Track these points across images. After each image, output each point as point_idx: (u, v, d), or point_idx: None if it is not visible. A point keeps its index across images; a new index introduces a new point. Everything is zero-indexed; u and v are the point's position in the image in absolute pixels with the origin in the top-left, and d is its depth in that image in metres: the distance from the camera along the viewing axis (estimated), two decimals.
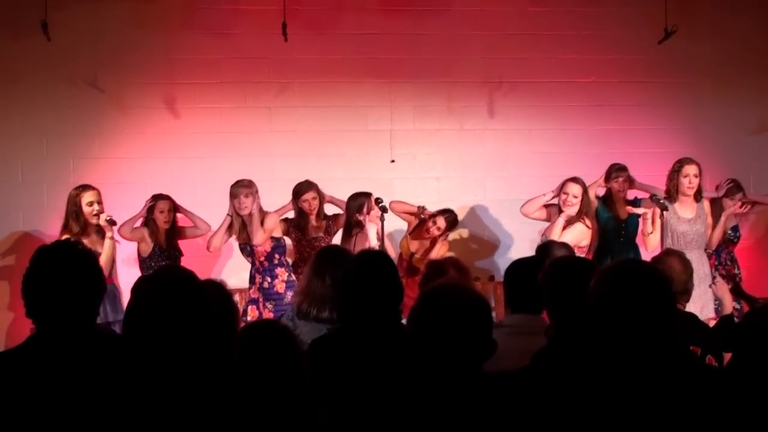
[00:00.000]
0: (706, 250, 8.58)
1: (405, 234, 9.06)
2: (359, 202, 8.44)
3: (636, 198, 8.90)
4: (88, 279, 3.38)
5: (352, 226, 8.43)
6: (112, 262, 8.20)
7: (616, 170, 8.85)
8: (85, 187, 8.18)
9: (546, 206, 8.64)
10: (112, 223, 8.13)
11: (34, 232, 9.24)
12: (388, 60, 9.96)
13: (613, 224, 8.74)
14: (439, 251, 8.71)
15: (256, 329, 3.54)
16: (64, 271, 3.33)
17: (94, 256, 3.49)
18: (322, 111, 9.91)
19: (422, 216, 8.90)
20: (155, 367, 3.31)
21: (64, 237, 7.87)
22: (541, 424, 3.10)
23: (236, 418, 3.26)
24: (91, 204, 8.07)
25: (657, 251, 8.01)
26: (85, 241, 7.86)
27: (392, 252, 8.64)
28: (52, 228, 8.97)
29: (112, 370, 3.27)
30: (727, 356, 7.31)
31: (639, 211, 8.59)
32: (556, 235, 8.25)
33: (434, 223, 8.83)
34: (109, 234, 8.08)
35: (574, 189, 8.38)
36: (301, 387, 3.36)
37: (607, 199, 8.87)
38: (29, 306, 3.35)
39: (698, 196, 8.51)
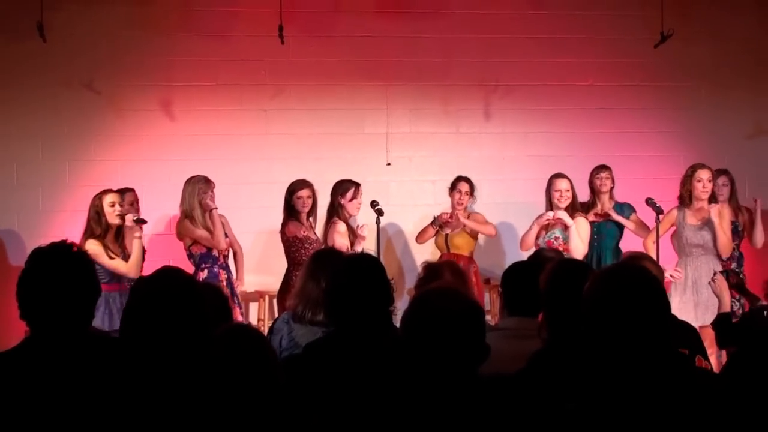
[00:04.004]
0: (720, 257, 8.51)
1: (432, 234, 9.20)
2: (344, 187, 8.49)
3: (616, 203, 8.97)
4: (82, 281, 3.37)
5: (335, 209, 8.45)
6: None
7: (598, 168, 8.99)
8: (107, 191, 8.00)
9: (540, 228, 8.65)
10: (140, 221, 8.08)
11: (30, 234, 9.19)
12: (385, 63, 9.97)
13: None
14: (471, 219, 9.05)
15: (231, 335, 3.51)
16: (58, 273, 3.32)
17: (89, 259, 3.48)
18: (318, 114, 9.91)
19: (441, 218, 8.98)
20: (152, 369, 3.30)
21: (90, 242, 7.71)
22: (538, 427, 3.10)
23: (219, 422, 3.25)
24: (113, 205, 7.88)
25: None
26: (109, 243, 7.79)
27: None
28: (47, 230, 8.96)
29: (106, 372, 3.26)
30: (713, 357, 7.37)
31: (619, 217, 8.74)
32: (531, 240, 8.37)
33: (459, 191, 9.01)
34: (137, 234, 7.95)
35: (564, 184, 8.54)
36: (274, 394, 3.34)
37: (585, 204, 8.94)
38: (23, 308, 3.34)
39: (712, 200, 8.47)
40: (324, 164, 9.61)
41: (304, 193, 8.48)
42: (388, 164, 9.99)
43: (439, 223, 9.03)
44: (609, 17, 10.22)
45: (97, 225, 7.82)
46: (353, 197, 8.47)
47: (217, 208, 8.20)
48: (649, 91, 10.30)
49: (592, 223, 8.76)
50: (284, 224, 8.46)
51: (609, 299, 3.15)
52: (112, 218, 7.87)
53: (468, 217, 9.01)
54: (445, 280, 4.98)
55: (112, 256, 7.72)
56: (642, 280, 3.22)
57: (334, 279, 4.19)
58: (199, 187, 8.22)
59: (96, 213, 7.84)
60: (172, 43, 9.66)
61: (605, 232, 8.88)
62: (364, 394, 3.24)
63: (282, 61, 9.67)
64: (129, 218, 7.95)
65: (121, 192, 8.55)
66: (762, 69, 10.42)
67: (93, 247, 7.58)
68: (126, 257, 7.86)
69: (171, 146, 9.66)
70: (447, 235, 9.02)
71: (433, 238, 9.19)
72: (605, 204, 8.94)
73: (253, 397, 3.28)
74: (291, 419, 3.32)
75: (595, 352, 3.19)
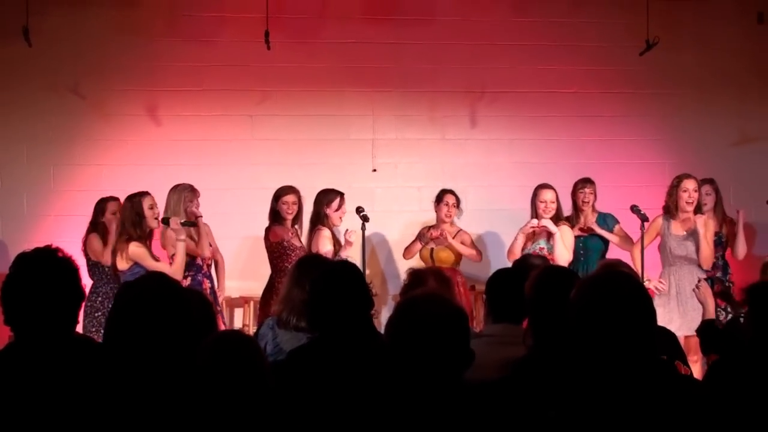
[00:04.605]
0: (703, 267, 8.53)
1: (418, 249, 9.14)
2: (329, 197, 8.48)
3: (599, 214, 8.97)
4: (66, 286, 3.37)
5: (320, 218, 8.44)
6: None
7: (581, 182, 8.95)
8: (144, 193, 7.76)
9: (526, 237, 8.66)
10: (189, 224, 7.97)
11: (15, 239, 9.16)
12: (371, 69, 9.97)
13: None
14: (456, 234, 9.07)
15: (225, 340, 3.52)
16: (42, 278, 3.32)
17: (73, 264, 3.47)
18: (304, 119, 9.91)
19: (429, 233, 8.96)
20: (137, 374, 3.29)
21: (133, 244, 7.45)
22: None
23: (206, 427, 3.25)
24: (152, 207, 7.69)
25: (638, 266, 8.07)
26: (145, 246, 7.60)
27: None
28: (32, 235, 8.94)
29: (90, 377, 3.25)
30: (697, 365, 7.38)
31: (603, 232, 8.74)
32: (518, 251, 8.39)
33: (446, 204, 9.03)
34: (182, 236, 7.75)
35: (549, 195, 8.55)
36: (264, 400, 3.35)
37: (569, 218, 8.93)
38: (7, 313, 3.34)
39: (698, 211, 8.47)
40: (310, 170, 9.60)
41: (290, 198, 8.47)
42: (374, 170, 9.99)
43: (426, 240, 9.01)
44: (594, 25, 10.24)
45: (136, 228, 7.56)
46: (338, 207, 8.45)
47: (202, 216, 8.17)
48: (634, 98, 10.32)
49: (577, 237, 8.75)
50: (269, 229, 8.45)
51: (596, 305, 3.16)
52: (152, 221, 7.71)
53: (456, 234, 9.00)
54: (429, 287, 4.98)
55: (157, 258, 7.62)
56: (629, 287, 3.24)
57: (313, 287, 4.21)
58: (185, 195, 8.18)
59: (137, 215, 7.58)
60: (158, 48, 9.65)
61: (591, 247, 8.85)
62: (348, 400, 3.24)
63: (268, 66, 9.66)
64: (175, 220, 7.85)
65: (106, 200, 8.53)
66: (747, 77, 10.46)
67: (137, 249, 7.43)
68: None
69: (156, 151, 9.65)
70: (432, 249, 9.00)
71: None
72: (588, 218, 8.92)
73: (244, 403, 3.28)
74: (278, 425, 3.32)
75: (580, 359, 3.19)
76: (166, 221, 7.81)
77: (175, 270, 7.61)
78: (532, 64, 10.16)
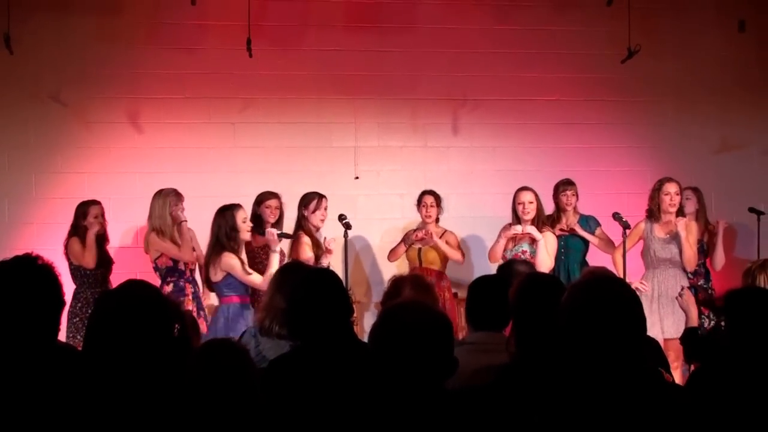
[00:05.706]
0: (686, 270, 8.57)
1: (403, 252, 9.16)
2: (308, 199, 8.54)
3: (581, 216, 9.00)
4: (47, 294, 3.35)
5: (300, 223, 8.45)
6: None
7: (563, 184, 9.02)
8: (236, 206, 7.69)
9: (508, 240, 8.66)
10: (286, 236, 8.03)
11: None
12: (353, 76, 9.97)
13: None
14: (442, 234, 9.06)
15: (215, 349, 3.51)
16: (22, 286, 3.30)
17: (53, 271, 3.45)
18: (286, 127, 9.90)
19: (414, 236, 8.95)
20: (117, 382, 3.28)
21: (227, 255, 7.43)
22: None
23: None
24: (245, 221, 7.66)
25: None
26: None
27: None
28: (14, 243, 8.89)
29: (72, 385, 3.24)
30: (678, 371, 7.37)
31: (584, 233, 8.76)
32: (499, 253, 8.41)
33: (425, 205, 9.06)
34: (276, 248, 7.79)
35: (527, 196, 8.59)
36: (253, 411, 3.34)
37: (551, 217, 8.96)
38: None
39: (680, 214, 8.50)
40: (292, 177, 9.58)
41: (273, 203, 8.49)
42: (356, 178, 9.99)
43: (410, 242, 9.00)
44: (576, 33, 10.26)
45: (230, 241, 7.52)
46: (316, 208, 8.46)
47: (186, 221, 8.17)
48: (616, 106, 10.35)
49: (558, 237, 8.79)
50: (252, 234, 8.42)
51: (588, 310, 3.16)
52: (245, 234, 7.67)
53: (442, 235, 9.00)
54: (405, 296, 4.98)
55: (249, 271, 7.57)
56: (621, 293, 3.25)
57: (292, 295, 4.20)
58: (170, 199, 8.19)
59: (232, 229, 7.51)
60: (140, 55, 9.62)
61: (572, 246, 8.91)
62: (331, 409, 3.24)
63: (250, 74, 9.65)
64: (271, 232, 7.84)
65: (88, 204, 8.53)
66: (728, 85, 10.49)
67: (230, 260, 7.42)
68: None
69: (139, 159, 9.62)
70: (420, 249, 8.99)
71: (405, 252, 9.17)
72: (570, 219, 8.98)
73: (232, 414, 3.27)
74: None
75: (567, 364, 3.20)
76: (260, 233, 7.82)
77: (266, 281, 7.60)
78: (513, 72, 10.18)
